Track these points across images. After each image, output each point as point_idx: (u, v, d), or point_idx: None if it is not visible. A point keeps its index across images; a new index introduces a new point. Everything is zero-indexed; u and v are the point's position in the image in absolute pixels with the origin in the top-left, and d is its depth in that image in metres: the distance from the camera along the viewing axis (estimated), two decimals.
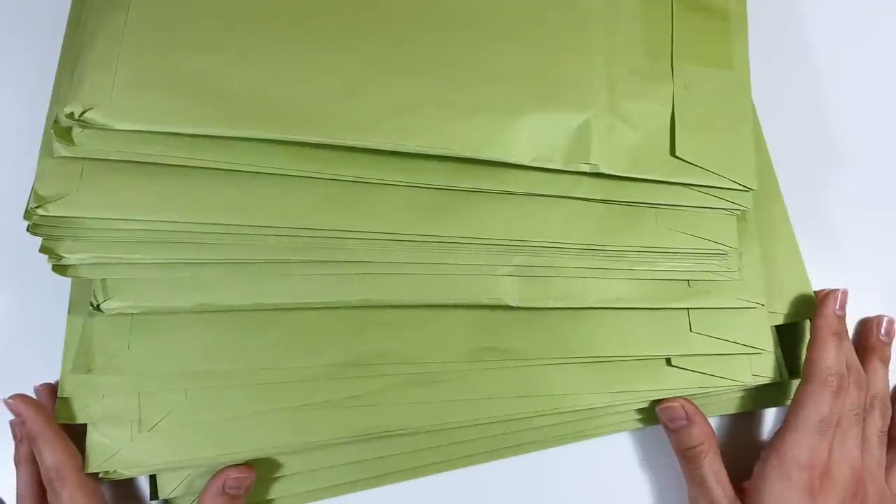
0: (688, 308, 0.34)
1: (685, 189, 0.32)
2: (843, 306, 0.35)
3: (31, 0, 0.41)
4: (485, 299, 0.32)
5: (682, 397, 0.34)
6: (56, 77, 0.33)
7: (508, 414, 0.33)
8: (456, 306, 0.33)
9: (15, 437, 0.33)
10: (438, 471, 0.34)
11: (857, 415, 0.32)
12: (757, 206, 0.34)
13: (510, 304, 0.32)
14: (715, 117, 0.33)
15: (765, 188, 0.36)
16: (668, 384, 0.34)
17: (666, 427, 0.34)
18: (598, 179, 0.31)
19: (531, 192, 0.31)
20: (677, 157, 0.31)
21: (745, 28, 0.35)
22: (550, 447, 0.36)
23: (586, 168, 0.30)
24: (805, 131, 0.42)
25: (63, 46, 0.33)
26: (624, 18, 0.33)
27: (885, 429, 0.35)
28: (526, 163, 0.30)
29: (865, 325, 0.37)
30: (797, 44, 0.43)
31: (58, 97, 0.31)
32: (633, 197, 0.32)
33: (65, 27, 0.34)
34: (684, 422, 0.33)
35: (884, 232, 0.41)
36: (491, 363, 0.33)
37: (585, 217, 0.32)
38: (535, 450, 0.36)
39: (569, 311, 0.33)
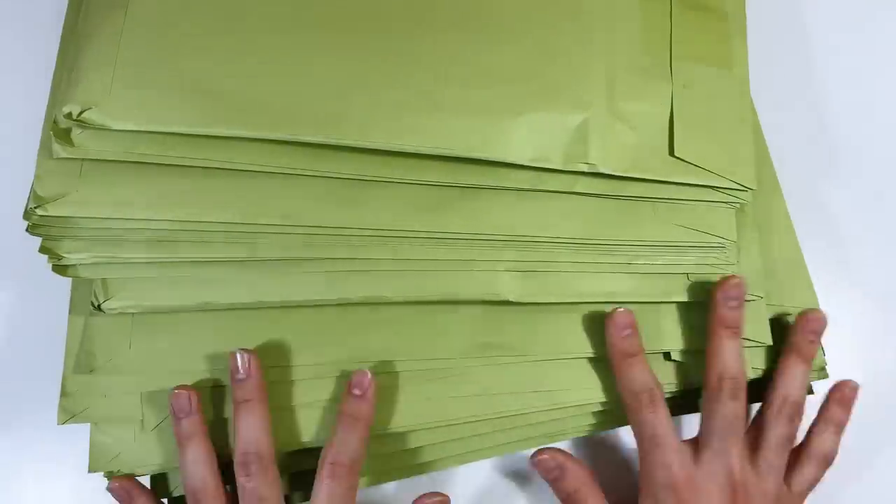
0: (687, 302, 0.34)
1: (684, 187, 0.32)
2: (739, 298, 0.32)
3: None
4: (485, 295, 0.32)
5: (550, 447, 0.33)
6: (54, 76, 0.33)
7: (509, 410, 0.33)
8: (456, 302, 0.33)
9: (182, 412, 0.30)
10: (439, 468, 0.35)
11: (731, 425, 0.31)
12: (756, 201, 0.34)
13: (510, 299, 0.32)
14: (714, 117, 0.33)
15: (764, 184, 0.36)
16: (668, 379, 0.34)
17: (545, 479, 0.33)
18: (597, 177, 0.31)
19: (530, 188, 0.31)
20: (676, 157, 0.31)
21: (744, 27, 0.35)
22: (551, 443, 0.36)
23: (585, 168, 0.30)
24: (803, 129, 0.42)
25: (60, 45, 0.33)
26: (623, 18, 0.33)
27: (792, 434, 0.33)
28: (525, 163, 0.30)
29: (790, 321, 0.35)
30: (796, 42, 0.43)
31: (56, 97, 0.31)
32: (631, 193, 0.32)
33: (62, 25, 0.34)
34: (558, 472, 0.32)
35: (882, 228, 0.41)
36: (491, 359, 0.33)
37: (584, 212, 0.32)
38: (536, 446, 0.36)
39: (569, 306, 0.34)
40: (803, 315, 0.34)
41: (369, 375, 0.31)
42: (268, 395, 0.31)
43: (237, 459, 0.30)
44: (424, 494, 0.32)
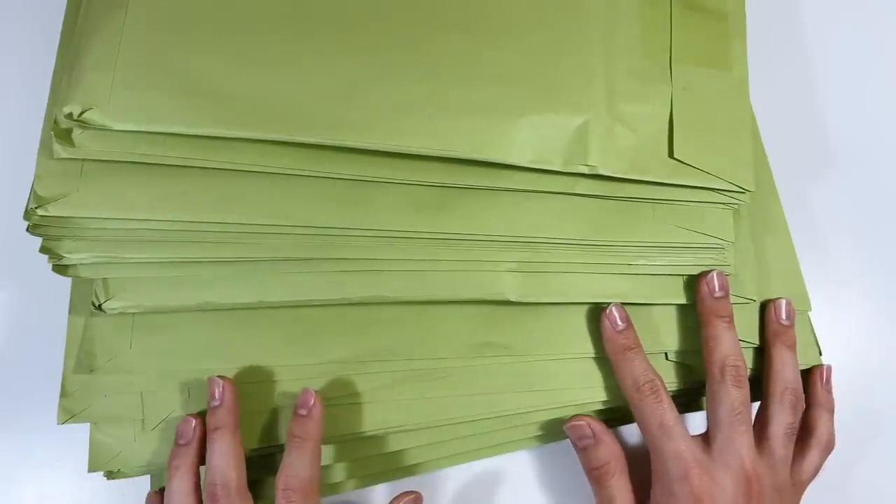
0: (684, 304, 0.34)
1: (683, 189, 0.32)
2: (723, 287, 0.33)
3: None
4: (486, 295, 0.32)
5: (588, 415, 0.33)
6: (54, 76, 0.33)
7: (509, 410, 0.33)
8: (457, 302, 0.33)
9: (182, 438, 0.31)
10: (440, 467, 0.35)
11: (739, 414, 0.31)
12: (753, 203, 0.34)
13: (511, 299, 0.32)
14: (713, 119, 0.33)
15: (761, 187, 0.36)
16: (668, 379, 0.34)
17: (574, 445, 0.33)
18: (597, 179, 0.31)
19: (531, 188, 0.31)
20: (676, 159, 0.31)
21: (744, 29, 0.35)
22: (551, 442, 0.36)
23: (585, 170, 0.30)
24: (802, 131, 0.42)
25: (60, 45, 0.33)
26: (623, 20, 0.33)
27: (796, 424, 0.33)
28: (525, 164, 0.30)
29: (765, 312, 0.35)
30: (795, 45, 0.44)
31: (56, 97, 0.31)
32: (631, 194, 0.32)
33: (61, 24, 0.34)
34: (591, 441, 0.32)
35: (878, 229, 0.41)
36: (491, 359, 0.33)
37: (584, 213, 0.32)
38: (536, 445, 0.36)
39: (568, 306, 0.34)
40: (769, 305, 0.35)
41: (314, 394, 0.31)
42: (239, 424, 0.31)
43: (205, 490, 0.30)
44: (398, 495, 0.32)
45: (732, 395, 0.31)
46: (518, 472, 0.37)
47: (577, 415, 0.33)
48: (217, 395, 0.31)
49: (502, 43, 0.31)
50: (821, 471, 0.34)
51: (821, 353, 0.36)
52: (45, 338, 0.34)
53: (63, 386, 0.32)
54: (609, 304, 0.33)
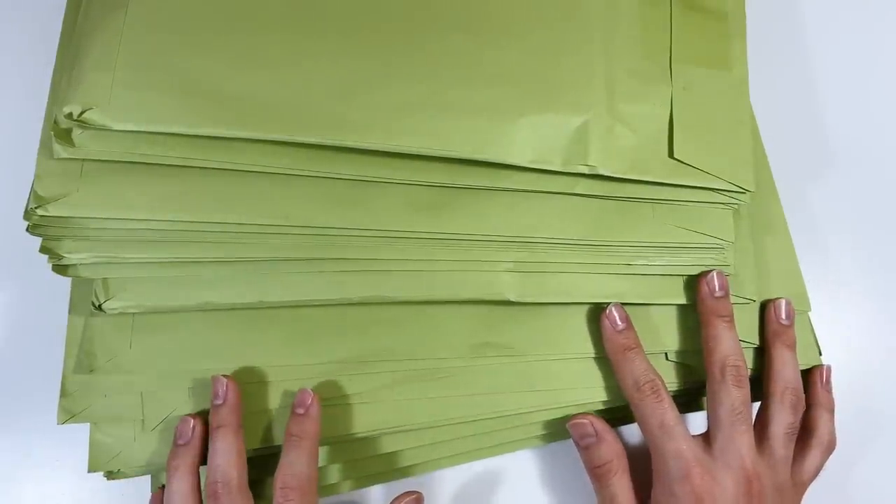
0: (684, 304, 0.34)
1: (683, 189, 0.32)
2: (722, 287, 0.33)
3: None
4: (486, 295, 0.32)
5: (591, 413, 0.33)
6: (54, 76, 0.33)
7: (509, 410, 0.33)
8: (457, 302, 0.33)
9: (181, 438, 0.31)
10: (440, 467, 0.35)
11: (739, 413, 0.31)
12: (753, 203, 0.34)
13: (511, 299, 0.32)
14: (713, 119, 0.33)
15: (761, 187, 0.36)
16: (666, 379, 0.34)
17: (576, 443, 0.33)
18: (597, 179, 0.31)
19: (530, 188, 0.31)
20: (676, 159, 0.31)
21: (744, 29, 0.35)
22: (552, 442, 0.36)
23: (584, 170, 0.30)
24: (802, 131, 0.42)
25: (60, 45, 0.33)
26: (623, 20, 0.33)
27: (796, 424, 0.33)
28: (525, 164, 0.30)
29: (765, 312, 0.35)
30: (795, 45, 0.44)
31: (56, 97, 0.31)
32: (630, 194, 0.32)
33: (61, 24, 0.34)
34: (593, 439, 0.32)
35: (877, 229, 0.41)
36: (491, 359, 0.33)
37: (583, 212, 0.32)
38: (537, 445, 0.36)
39: (568, 306, 0.34)
40: (769, 305, 0.35)
41: (311, 394, 0.31)
42: (243, 422, 0.31)
43: (206, 489, 0.30)
44: (399, 495, 0.32)
45: (733, 395, 0.31)
46: (519, 472, 0.37)
47: (579, 413, 0.33)
48: (221, 394, 0.31)
49: (503, 43, 0.31)
50: (821, 471, 0.34)
51: (821, 353, 0.36)
52: (45, 338, 0.34)
53: (63, 386, 0.32)
54: (609, 304, 0.33)
